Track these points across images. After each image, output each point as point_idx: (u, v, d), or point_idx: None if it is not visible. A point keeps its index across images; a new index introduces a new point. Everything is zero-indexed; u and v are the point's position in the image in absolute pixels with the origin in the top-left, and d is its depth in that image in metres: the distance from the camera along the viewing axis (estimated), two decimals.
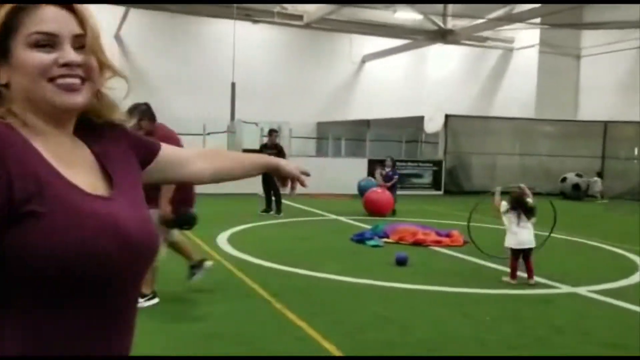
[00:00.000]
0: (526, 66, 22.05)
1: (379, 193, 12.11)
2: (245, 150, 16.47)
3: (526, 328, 4.54)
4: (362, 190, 15.18)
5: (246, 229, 9.27)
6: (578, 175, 17.09)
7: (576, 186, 16.92)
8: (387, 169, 13.13)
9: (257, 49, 24.45)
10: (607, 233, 10.04)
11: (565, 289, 5.84)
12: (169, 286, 5.08)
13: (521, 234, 5.87)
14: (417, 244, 8.13)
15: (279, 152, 11.51)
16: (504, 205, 6.04)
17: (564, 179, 17.30)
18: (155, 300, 4.68)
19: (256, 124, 20.15)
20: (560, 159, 18.52)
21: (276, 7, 19.37)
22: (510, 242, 5.95)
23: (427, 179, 18.15)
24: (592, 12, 20.49)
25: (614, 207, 15.92)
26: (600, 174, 17.60)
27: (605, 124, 19.03)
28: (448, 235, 8.56)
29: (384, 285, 5.78)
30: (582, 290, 5.79)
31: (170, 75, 23.33)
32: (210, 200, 12.84)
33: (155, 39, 23.17)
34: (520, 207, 5.92)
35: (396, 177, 13.03)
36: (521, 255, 5.91)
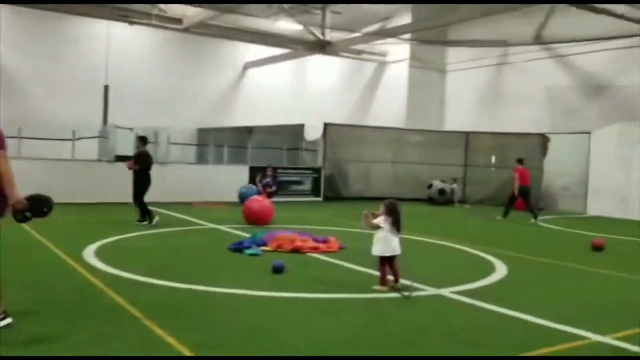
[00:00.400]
0: (398, 79, 23.26)
1: (260, 201, 12.09)
2: (119, 157, 15.75)
3: (394, 331, 4.77)
4: (242, 197, 15.14)
5: (117, 241, 8.87)
6: (442, 181, 18.17)
7: (442, 191, 18.16)
8: (268, 179, 13.22)
9: (134, 52, 23.56)
10: (468, 236, 10.85)
11: (430, 291, 6.20)
12: (24, 304, 4.74)
13: (391, 240, 6.15)
14: (295, 251, 8.26)
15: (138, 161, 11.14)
16: (380, 220, 6.21)
17: (430, 186, 18.46)
18: (8, 321, 4.32)
19: (131, 129, 19.36)
20: (428, 167, 19.69)
21: (154, 9, 18.78)
22: (379, 249, 6.21)
23: (307, 185, 18.48)
24: (457, 31, 22.04)
25: (475, 212, 17.21)
26: (455, 180, 18.74)
27: (467, 135, 20.55)
28: (325, 242, 8.77)
29: (261, 294, 5.80)
30: (446, 292, 6.19)
31: (39, 76, 21.82)
32: (76, 210, 12.24)
33: (22, 37, 21.55)
34: (392, 215, 6.18)
35: (274, 187, 12.98)
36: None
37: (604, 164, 17.31)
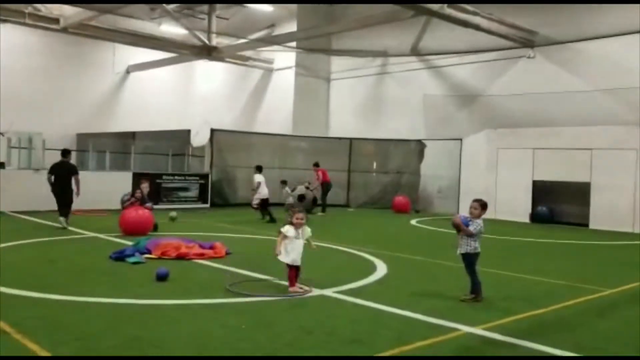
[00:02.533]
0: (284, 86, 23.58)
1: (137, 211, 11.33)
2: None
3: (278, 333, 4.85)
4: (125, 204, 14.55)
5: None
6: (307, 187, 17.86)
7: (301, 197, 17.08)
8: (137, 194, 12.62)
9: (6, 52, 21.87)
10: (349, 238, 11.25)
11: (315, 292, 6.38)
12: None
13: (296, 252, 6.35)
14: (181, 257, 8.12)
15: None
16: (287, 229, 6.37)
17: (292, 189, 17.19)
18: None
19: (2, 134, 18.02)
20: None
21: (28, 8, 17.57)
22: (287, 259, 6.36)
23: (194, 192, 18.15)
24: (340, 40, 22.76)
25: (358, 214, 17.86)
26: (309, 184, 18.11)
27: (351, 141, 21.28)
28: (211, 247, 8.70)
29: (142, 303, 5.66)
30: (329, 292, 6.40)
31: None
32: None
33: None
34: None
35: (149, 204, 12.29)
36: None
37: (473, 168, 18.66)
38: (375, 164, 21.30)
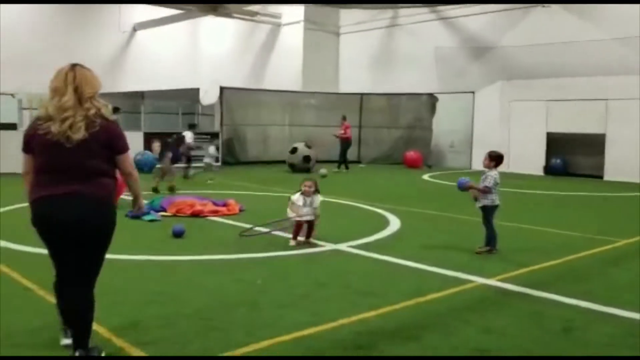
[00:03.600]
0: (293, 41, 23.19)
1: None
2: (1, 126, 14.64)
3: (293, 286, 4.92)
4: (139, 165, 14.64)
5: (8, 212, 8.34)
6: (307, 145, 16.94)
7: (307, 158, 16.52)
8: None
9: (13, 15, 21.65)
10: (363, 194, 11.25)
11: (328, 246, 6.42)
12: None
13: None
14: (195, 215, 8.19)
15: None
16: (297, 197, 6.52)
17: (294, 150, 16.62)
18: None
19: (13, 95, 18.02)
20: (325, 129, 19.98)
21: None
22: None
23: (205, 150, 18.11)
24: None
25: (369, 170, 17.84)
26: (310, 143, 17.12)
27: (361, 96, 21.04)
28: (225, 205, 8.75)
29: (161, 259, 5.75)
30: (343, 247, 6.44)
31: None
32: None
33: None
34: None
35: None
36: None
37: (486, 122, 18.45)
38: (386, 119, 21.11)
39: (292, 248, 6.35)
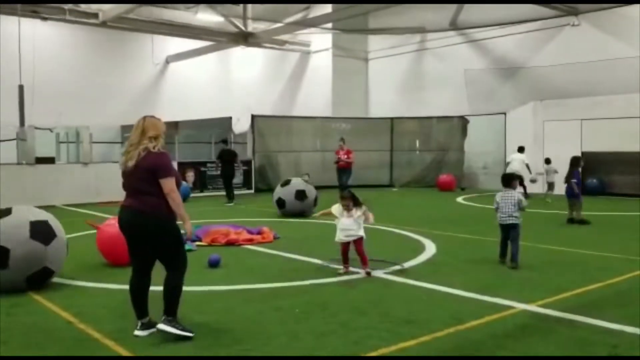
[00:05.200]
0: (322, 68, 23.49)
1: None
2: (39, 159, 15.09)
3: (332, 314, 4.91)
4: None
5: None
6: (305, 180, 14.41)
7: (301, 194, 11.96)
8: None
9: (49, 49, 22.48)
10: (397, 219, 11.20)
11: (364, 273, 6.40)
12: None
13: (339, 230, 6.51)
14: (230, 244, 8.27)
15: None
16: (335, 207, 6.59)
17: (286, 183, 12.38)
18: None
19: (51, 129, 18.57)
20: (357, 153, 20.00)
21: (67, 4, 18.01)
22: (340, 236, 6.50)
23: (238, 178, 18.34)
24: (377, 19, 22.48)
25: (402, 194, 17.76)
26: (307, 176, 15.03)
27: (392, 120, 21.08)
28: (259, 233, 8.82)
29: (198, 289, 5.80)
30: (379, 273, 6.42)
31: None
32: None
33: None
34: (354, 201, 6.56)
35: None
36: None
37: (519, 142, 18.22)
38: (417, 143, 21.08)
39: (332, 275, 6.34)
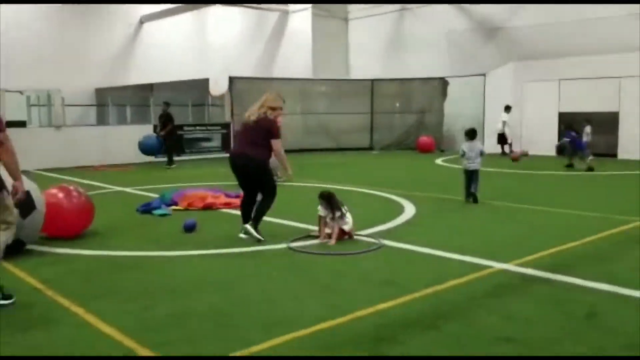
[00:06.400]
0: (301, 29, 23.00)
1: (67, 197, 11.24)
2: (10, 123, 14.63)
3: (311, 278, 4.85)
4: (144, 147, 14.66)
5: None
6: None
7: None
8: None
9: (17, 11, 21.65)
10: (377, 181, 11.14)
11: (345, 236, 6.33)
12: None
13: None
14: (207, 208, 8.14)
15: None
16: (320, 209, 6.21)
17: None
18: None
19: (21, 92, 18.05)
20: (337, 116, 19.87)
21: None
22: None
23: (216, 142, 18.13)
24: None
25: (382, 156, 17.70)
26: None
27: (372, 82, 20.86)
28: (238, 197, 8.64)
29: (172, 254, 5.68)
30: (360, 235, 6.34)
31: None
32: None
33: None
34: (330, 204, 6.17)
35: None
36: None
37: (498, 104, 18.20)
38: (398, 105, 20.93)
39: (312, 238, 6.26)
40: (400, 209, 8.07)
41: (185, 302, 4.26)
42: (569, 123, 14.61)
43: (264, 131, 6.08)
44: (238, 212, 7.84)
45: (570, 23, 16.93)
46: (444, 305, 4.14)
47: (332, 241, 6.05)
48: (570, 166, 13.58)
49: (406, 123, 20.59)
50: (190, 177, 12.10)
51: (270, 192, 6.24)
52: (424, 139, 19.16)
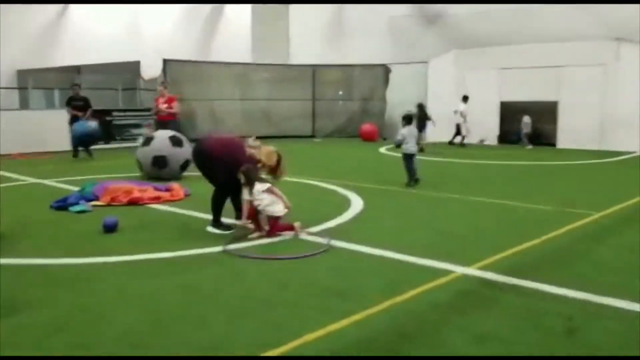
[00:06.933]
0: (240, 12, 22.02)
1: None
2: None
3: (249, 290, 4.16)
4: (77, 135, 13.15)
5: None
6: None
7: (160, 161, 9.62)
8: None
9: None
10: (319, 170, 10.54)
11: (286, 235, 5.68)
12: None
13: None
14: (133, 203, 7.29)
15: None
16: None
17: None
18: None
19: None
20: (278, 102, 19.12)
21: None
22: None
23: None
24: None
25: (325, 145, 17.13)
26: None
27: (314, 68, 20.20)
28: (168, 190, 7.87)
29: (87, 262, 4.85)
30: (302, 235, 5.70)
31: None
32: None
33: None
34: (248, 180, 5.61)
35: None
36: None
37: (441, 92, 17.96)
38: (341, 93, 20.37)
39: (247, 239, 5.57)
40: (347, 203, 7.49)
41: (96, 325, 3.49)
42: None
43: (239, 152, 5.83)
44: (168, 208, 7.12)
45: (512, 11, 16.83)
46: (407, 323, 3.56)
47: (264, 232, 5.47)
48: (422, 150, 13.32)
49: (349, 110, 20.10)
50: (117, 167, 11.08)
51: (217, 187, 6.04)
52: (367, 126, 18.72)
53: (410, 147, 8.83)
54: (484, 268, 4.64)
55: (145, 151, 9.65)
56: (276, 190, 5.70)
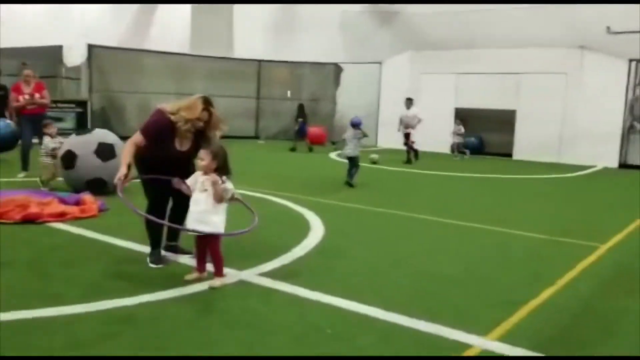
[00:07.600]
0: None
1: None
2: None
3: (203, 332, 2.72)
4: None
5: None
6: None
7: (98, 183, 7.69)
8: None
9: None
10: (266, 179, 9.11)
11: (233, 274, 4.23)
12: None
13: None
14: (29, 220, 5.61)
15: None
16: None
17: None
18: None
19: None
20: (219, 99, 17.43)
21: None
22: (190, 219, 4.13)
23: (70, 122, 15.09)
24: None
25: (269, 147, 15.73)
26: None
27: (260, 63, 18.73)
28: (78, 203, 6.21)
29: None
30: (250, 275, 4.25)
31: None
32: None
33: None
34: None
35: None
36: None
37: (394, 94, 16.88)
38: (290, 93, 18.93)
39: (179, 284, 4.07)
40: (304, 225, 6.10)
41: None
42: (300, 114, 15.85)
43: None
44: (76, 229, 5.49)
45: (471, 13, 15.97)
46: None
47: (217, 282, 3.99)
48: (293, 150, 15.01)
49: (295, 111, 18.71)
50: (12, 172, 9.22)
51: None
52: (314, 129, 17.38)
53: (348, 149, 9.11)
54: (507, 339, 3.35)
55: (84, 140, 7.57)
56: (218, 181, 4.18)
